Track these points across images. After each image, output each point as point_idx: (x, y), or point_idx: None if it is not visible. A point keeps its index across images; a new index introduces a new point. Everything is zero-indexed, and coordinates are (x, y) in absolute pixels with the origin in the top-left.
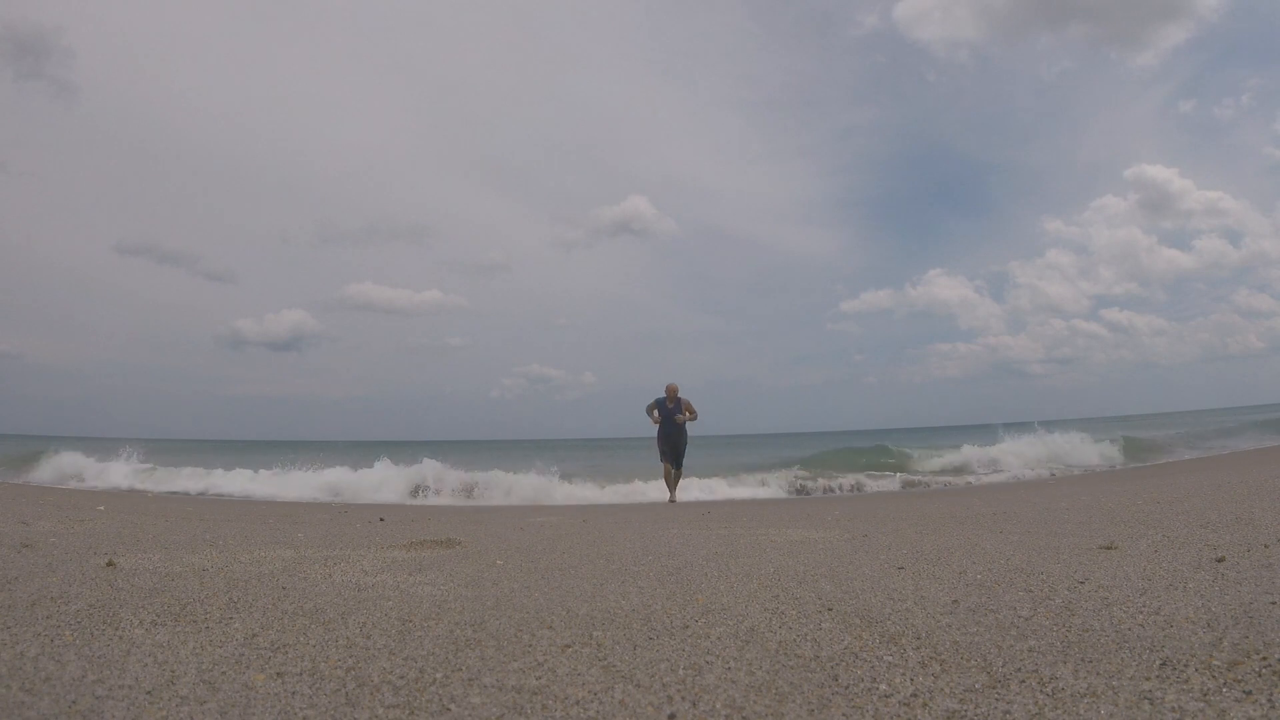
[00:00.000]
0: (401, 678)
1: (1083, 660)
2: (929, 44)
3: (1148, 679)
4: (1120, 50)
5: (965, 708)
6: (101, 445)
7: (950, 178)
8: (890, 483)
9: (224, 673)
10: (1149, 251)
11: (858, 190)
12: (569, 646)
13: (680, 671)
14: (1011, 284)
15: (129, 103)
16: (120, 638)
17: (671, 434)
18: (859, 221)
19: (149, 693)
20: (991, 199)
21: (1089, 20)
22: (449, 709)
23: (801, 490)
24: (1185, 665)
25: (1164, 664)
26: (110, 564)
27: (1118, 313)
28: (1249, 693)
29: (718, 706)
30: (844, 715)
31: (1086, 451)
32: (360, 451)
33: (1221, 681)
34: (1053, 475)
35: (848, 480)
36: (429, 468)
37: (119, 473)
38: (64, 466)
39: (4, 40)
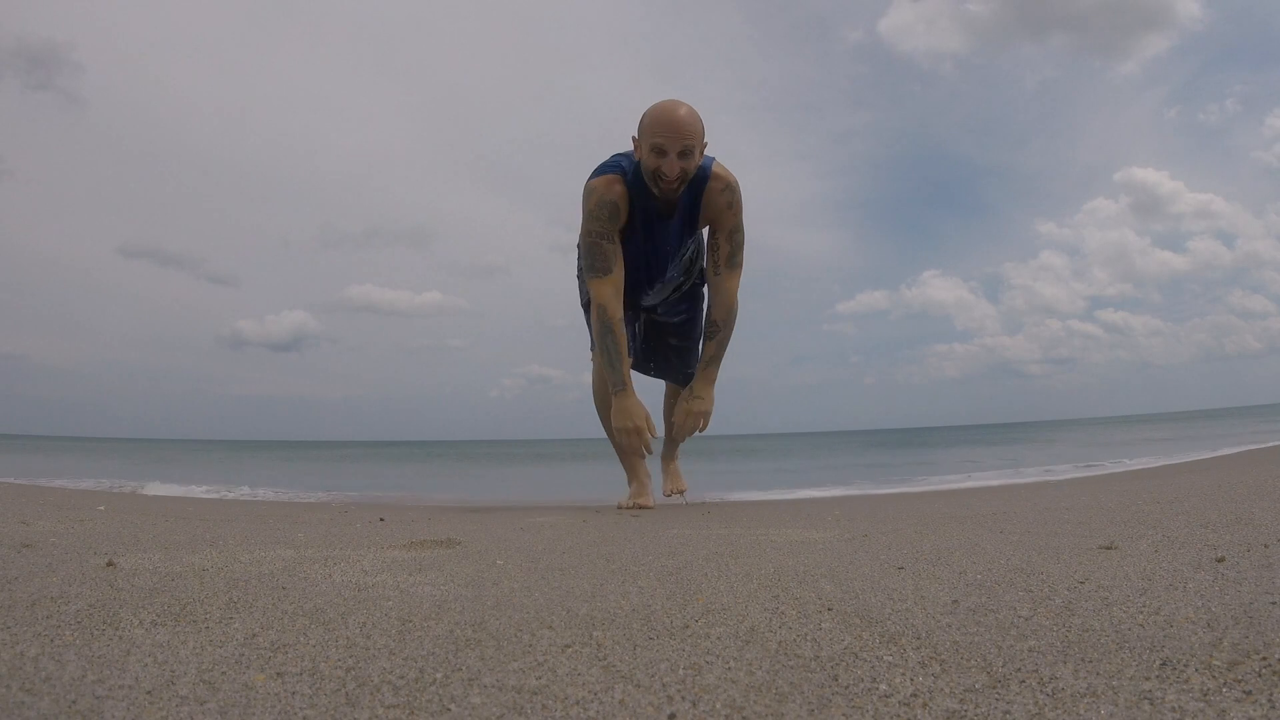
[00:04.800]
0: (401, 678)
1: (1083, 660)
2: (916, 54)
3: (1148, 679)
4: (1104, 58)
5: (965, 708)
6: (103, 445)
7: (944, 181)
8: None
9: (224, 673)
10: (1142, 253)
11: (854, 192)
12: (569, 646)
13: (680, 671)
14: (1006, 285)
15: (134, 110)
16: (120, 638)
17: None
18: (855, 223)
19: (149, 693)
20: (985, 201)
21: (1071, 30)
22: (449, 709)
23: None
24: (1185, 665)
25: (1164, 664)
26: (110, 564)
27: (1113, 313)
28: (1249, 693)
29: (718, 706)
30: (844, 715)
31: None
32: (360, 452)
33: (1221, 681)
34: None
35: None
36: None
37: (119, 473)
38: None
39: (16, 55)
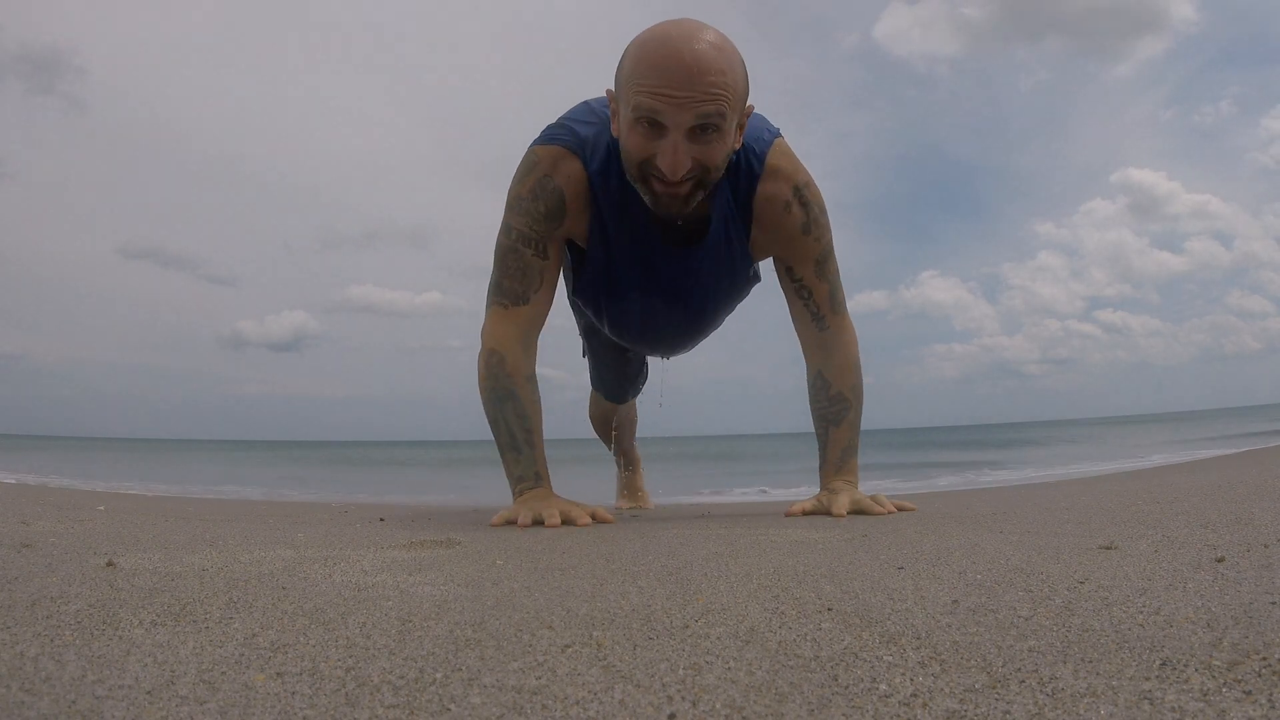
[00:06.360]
0: (401, 678)
1: (1083, 660)
2: (912, 57)
3: (1148, 679)
4: (1099, 61)
5: (965, 708)
6: (103, 446)
7: (942, 181)
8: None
9: (224, 673)
10: (1140, 254)
11: (852, 193)
12: (569, 646)
13: (680, 671)
14: (1005, 285)
15: (135, 113)
16: (120, 638)
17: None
18: (853, 224)
19: (149, 693)
20: (982, 202)
21: (1065, 33)
22: (449, 709)
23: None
24: (1185, 665)
25: (1164, 664)
26: (110, 564)
27: (1112, 314)
28: (1249, 693)
29: (718, 706)
30: (844, 715)
31: None
32: (360, 452)
33: (1221, 681)
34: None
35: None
36: None
37: (119, 473)
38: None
39: (20, 60)
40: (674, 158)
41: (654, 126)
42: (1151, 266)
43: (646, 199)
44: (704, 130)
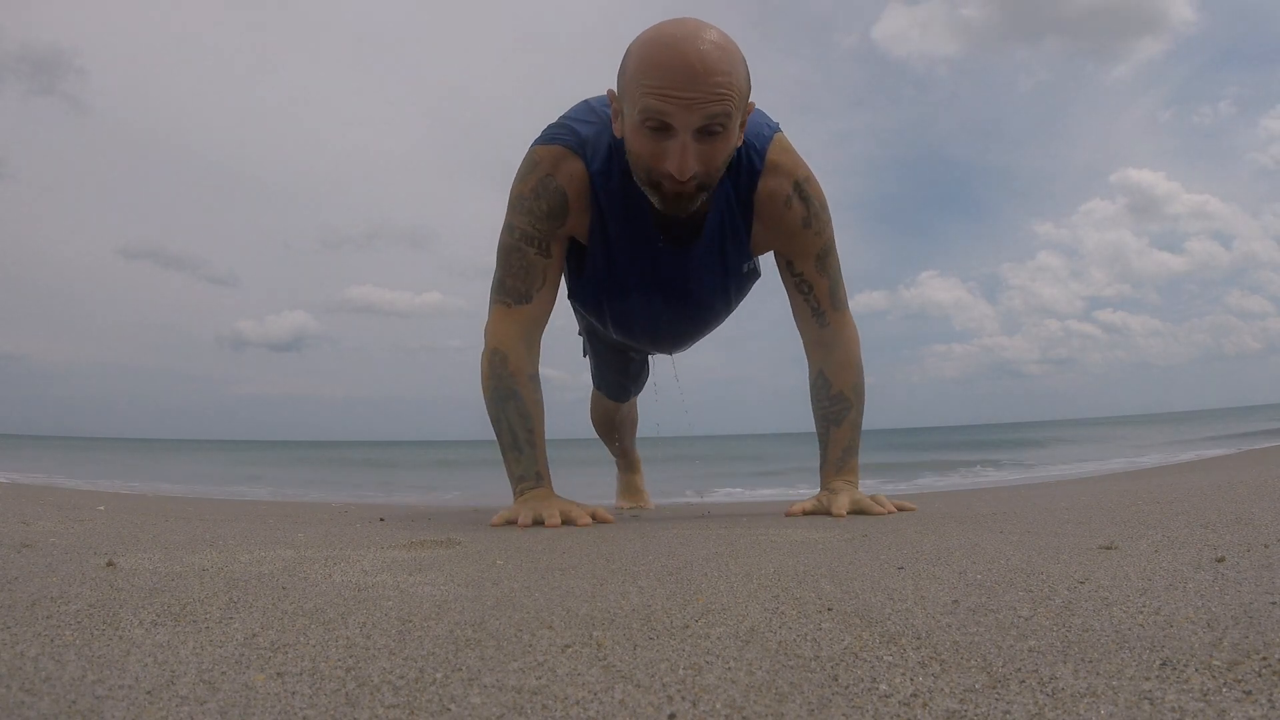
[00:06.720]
0: (401, 678)
1: (1083, 660)
2: (911, 58)
3: (1148, 679)
4: (1097, 61)
5: (965, 708)
6: (103, 446)
7: (941, 181)
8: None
9: (224, 673)
10: (1140, 254)
11: (852, 193)
12: (569, 646)
13: (680, 671)
14: (1004, 286)
15: (136, 114)
16: (120, 638)
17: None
18: (853, 224)
19: (149, 693)
20: (982, 202)
21: (1064, 34)
22: (449, 709)
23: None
24: (1185, 665)
25: (1164, 664)
26: (110, 564)
27: (1111, 314)
28: (1249, 693)
29: (718, 706)
30: (844, 715)
31: None
32: (360, 452)
33: (1221, 681)
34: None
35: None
36: None
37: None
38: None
39: (21, 60)
40: (682, 159)
41: (661, 128)
42: (1151, 266)
43: (655, 200)
44: (710, 131)
